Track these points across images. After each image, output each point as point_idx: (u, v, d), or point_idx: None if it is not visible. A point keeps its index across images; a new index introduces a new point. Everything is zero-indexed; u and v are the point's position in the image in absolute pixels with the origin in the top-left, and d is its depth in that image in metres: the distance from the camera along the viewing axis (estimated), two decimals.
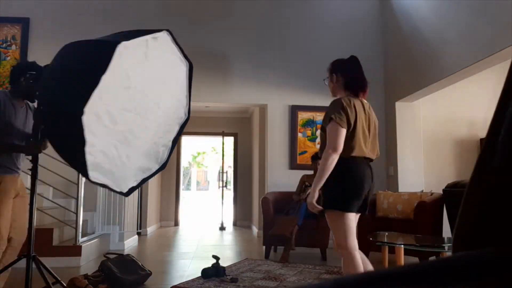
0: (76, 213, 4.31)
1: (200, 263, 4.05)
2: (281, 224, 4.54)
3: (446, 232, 4.50)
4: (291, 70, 5.86)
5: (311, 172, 5.05)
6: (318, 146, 5.78)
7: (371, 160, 2.39)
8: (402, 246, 3.26)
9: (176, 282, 2.85)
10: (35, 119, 2.43)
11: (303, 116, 5.81)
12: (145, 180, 2.06)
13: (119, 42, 1.68)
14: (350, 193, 2.26)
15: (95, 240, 4.76)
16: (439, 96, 5.63)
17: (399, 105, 5.63)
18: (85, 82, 1.65)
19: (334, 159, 2.20)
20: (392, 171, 5.67)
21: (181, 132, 2.19)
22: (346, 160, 2.26)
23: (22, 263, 2.38)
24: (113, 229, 5.29)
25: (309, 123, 5.80)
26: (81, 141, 1.64)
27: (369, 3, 6.15)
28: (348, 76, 2.51)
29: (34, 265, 2.33)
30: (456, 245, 0.40)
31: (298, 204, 4.68)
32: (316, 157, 4.99)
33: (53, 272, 2.44)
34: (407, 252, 3.52)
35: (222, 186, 9.20)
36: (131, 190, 1.98)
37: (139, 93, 1.88)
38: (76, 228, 4.27)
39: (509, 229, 0.35)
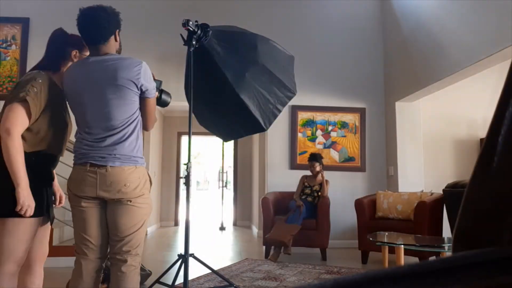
0: None
1: (200, 263, 4.05)
2: (280, 230, 4.52)
3: (446, 232, 4.50)
4: None
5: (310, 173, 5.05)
6: (318, 146, 5.78)
7: None
8: (402, 246, 3.27)
9: (176, 282, 2.85)
10: None
11: (303, 116, 5.81)
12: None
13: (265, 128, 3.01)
14: None
15: None
16: (439, 96, 5.63)
17: (399, 105, 5.63)
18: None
19: None
20: (392, 171, 5.68)
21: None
22: None
23: None
24: None
25: (309, 123, 5.81)
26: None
27: (369, 3, 6.15)
28: None
29: None
30: (456, 245, 0.40)
31: (298, 209, 4.67)
32: (313, 158, 4.97)
33: None
34: (407, 252, 3.52)
35: (222, 186, 9.20)
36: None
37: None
38: None
39: (509, 229, 0.35)
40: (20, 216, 1.81)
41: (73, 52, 2.04)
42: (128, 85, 1.88)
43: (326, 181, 4.93)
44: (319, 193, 4.88)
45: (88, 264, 1.93)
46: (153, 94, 1.99)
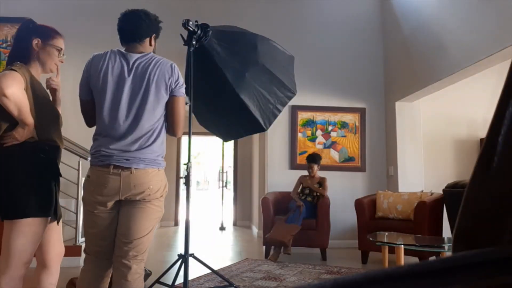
0: (76, 213, 4.31)
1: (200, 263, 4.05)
2: (280, 230, 4.52)
3: (446, 232, 4.50)
4: None
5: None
6: (318, 146, 5.78)
7: None
8: (402, 246, 3.26)
9: (176, 282, 2.85)
10: None
11: (303, 116, 5.81)
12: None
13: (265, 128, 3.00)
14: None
15: None
16: (439, 96, 5.63)
17: (399, 105, 5.63)
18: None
19: None
20: (392, 171, 5.67)
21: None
22: None
23: None
24: None
25: (309, 123, 5.81)
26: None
27: (369, 3, 6.15)
28: None
29: None
30: (456, 245, 0.40)
31: (298, 209, 4.66)
32: (311, 160, 4.96)
33: None
34: (407, 252, 3.52)
35: (222, 186, 9.20)
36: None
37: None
38: (76, 228, 4.28)
39: (509, 229, 0.35)
40: (31, 216, 1.77)
41: (34, 41, 1.94)
42: (163, 87, 1.87)
43: (324, 178, 4.93)
44: (318, 193, 4.88)
45: (98, 265, 1.90)
46: (182, 93, 1.95)
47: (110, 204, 1.86)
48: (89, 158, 1.94)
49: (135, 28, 1.93)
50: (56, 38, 1.99)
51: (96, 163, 1.86)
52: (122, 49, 1.98)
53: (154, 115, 1.88)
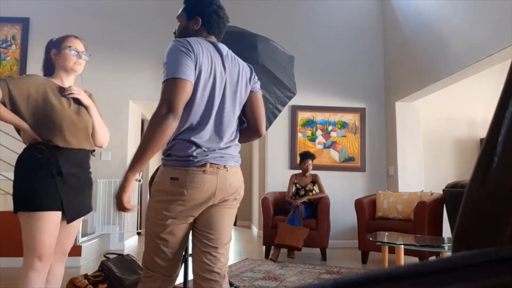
0: None
1: None
2: (290, 234, 4.50)
3: (446, 232, 4.50)
4: None
5: (300, 171, 5.05)
6: (318, 146, 5.78)
7: None
8: (402, 246, 3.26)
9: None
10: None
11: (303, 116, 5.81)
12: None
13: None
14: None
15: (95, 240, 4.76)
16: (439, 96, 5.63)
17: (399, 105, 5.63)
18: None
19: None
20: (392, 171, 5.68)
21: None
22: None
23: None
24: (113, 229, 5.29)
25: (309, 123, 5.81)
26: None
27: (369, 3, 6.16)
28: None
29: None
30: (456, 245, 0.40)
31: (297, 209, 4.66)
32: (307, 156, 4.93)
33: None
34: (407, 252, 3.52)
35: None
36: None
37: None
38: None
39: (509, 229, 0.35)
40: (45, 210, 1.88)
41: (52, 52, 2.10)
42: (249, 84, 1.77)
43: (316, 175, 4.93)
44: (314, 193, 4.87)
45: (165, 284, 1.70)
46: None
47: (197, 209, 1.63)
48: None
49: (225, 25, 1.80)
50: (66, 40, 2.09)
51: (188, 165, 1.61)
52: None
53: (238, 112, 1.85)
